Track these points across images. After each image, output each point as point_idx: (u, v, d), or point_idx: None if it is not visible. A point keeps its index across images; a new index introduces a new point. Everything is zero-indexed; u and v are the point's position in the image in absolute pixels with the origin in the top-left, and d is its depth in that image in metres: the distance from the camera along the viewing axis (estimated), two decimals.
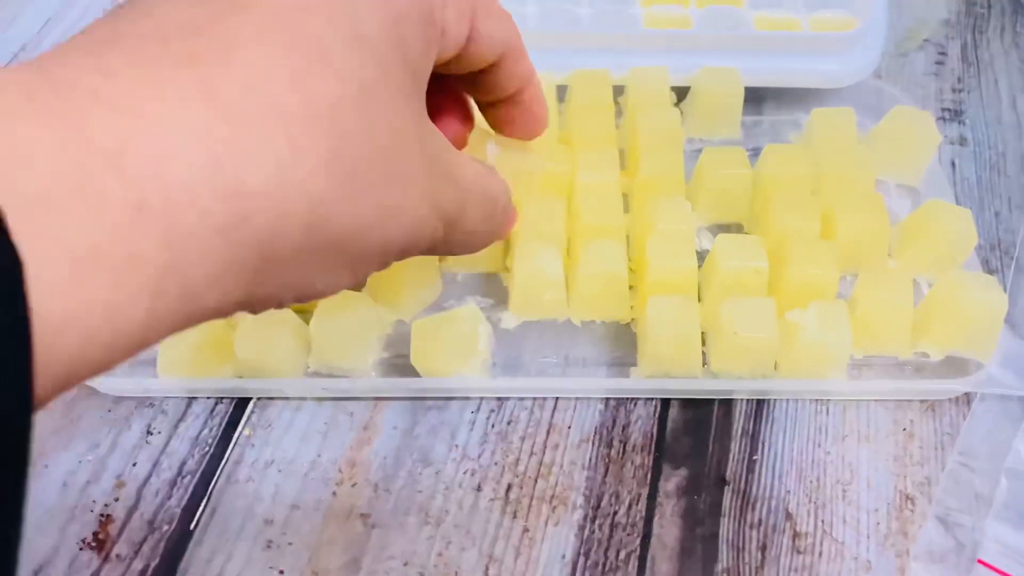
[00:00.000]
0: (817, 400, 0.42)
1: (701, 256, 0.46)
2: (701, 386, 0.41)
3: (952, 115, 0.55)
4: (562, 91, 0.53)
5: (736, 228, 0.48)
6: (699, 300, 0.44)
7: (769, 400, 0.42)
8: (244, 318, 0.42)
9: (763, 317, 0.40)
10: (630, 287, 0.44)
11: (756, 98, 0.54)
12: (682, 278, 0.42)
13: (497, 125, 0.36)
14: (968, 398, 0.42)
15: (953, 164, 0.52)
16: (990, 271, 0.47)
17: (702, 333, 0.42)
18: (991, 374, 0.41)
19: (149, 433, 0.42)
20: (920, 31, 0.60)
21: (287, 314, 0.42)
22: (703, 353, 0.42)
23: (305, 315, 0.43)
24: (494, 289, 0.46)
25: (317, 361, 0.42)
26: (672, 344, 0.40)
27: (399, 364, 0.43)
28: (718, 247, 0.43)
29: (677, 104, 0.52)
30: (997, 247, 0.48)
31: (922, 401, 0.42)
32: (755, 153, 0.52)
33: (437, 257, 0.45)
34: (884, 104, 0.54)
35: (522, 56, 0.33)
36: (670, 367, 0.41)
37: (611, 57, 0.52)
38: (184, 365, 0.42)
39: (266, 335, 0.41)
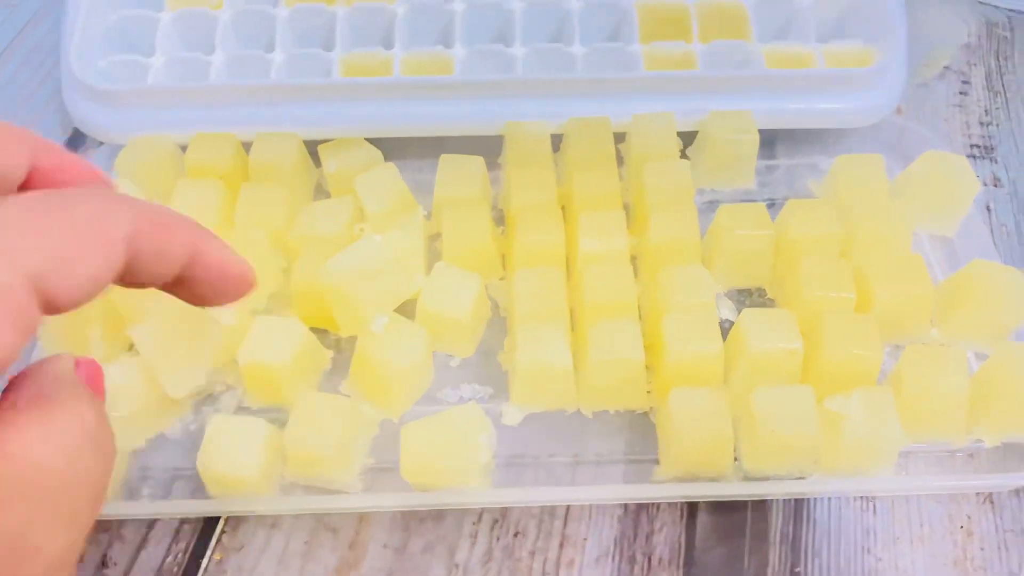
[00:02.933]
0: (862, 496, 0.37)
1: (721, 326, 0.41)
2: (734, 491, 0.36)
3: (983, 152, 0.50)
4: (557, 140, 0.48)
5: (758, 293, 0.44)
6: (724, 380, 0.39)
7: (809, 498, 0.37)
8: (210, 428, 0.37)
9: (801, 409, 0.36)
10: (646, 366, 0.39)
11: (768, 140, 0.49)
12: (706, 363, 0.38)
13: (189, 300, 0.27)
14: None
15: (988, 208, 0.48)
16: None
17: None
18: None
19: (104, 565, 0.36)
20: (940, 58, 0.55)
21: (257, 422, 0.37)
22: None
23: (277, 418, 0.38)
24: (493, 375, 0.41)
25: (294, 473, 0.37)
26: (700, 444, 0.36)
27: (388, 470, 0.38)
28: (745, 324, 0.38)
29: (684, 150, 0.48)
30: None
31: (978, 492, 0.37)
32: (772, 204, 0.47)
33: (428, 341, 0.39)
34: (907, 143, 0.49)
35: (161, 241, 0.24)
36: (697, 468, 0.36)
37: (611, 102, 0.47)
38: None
39: (234, 446, 0.36)
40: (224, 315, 0.38)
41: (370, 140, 0.47)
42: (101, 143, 0.49)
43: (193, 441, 0.39)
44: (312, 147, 0.47)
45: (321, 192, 0.48)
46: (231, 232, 0.43)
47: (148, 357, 0.38)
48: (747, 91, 0.47)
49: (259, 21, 0.51)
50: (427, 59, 0.49)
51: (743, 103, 0.47)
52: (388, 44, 0.50)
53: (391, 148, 0.48)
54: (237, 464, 0.36)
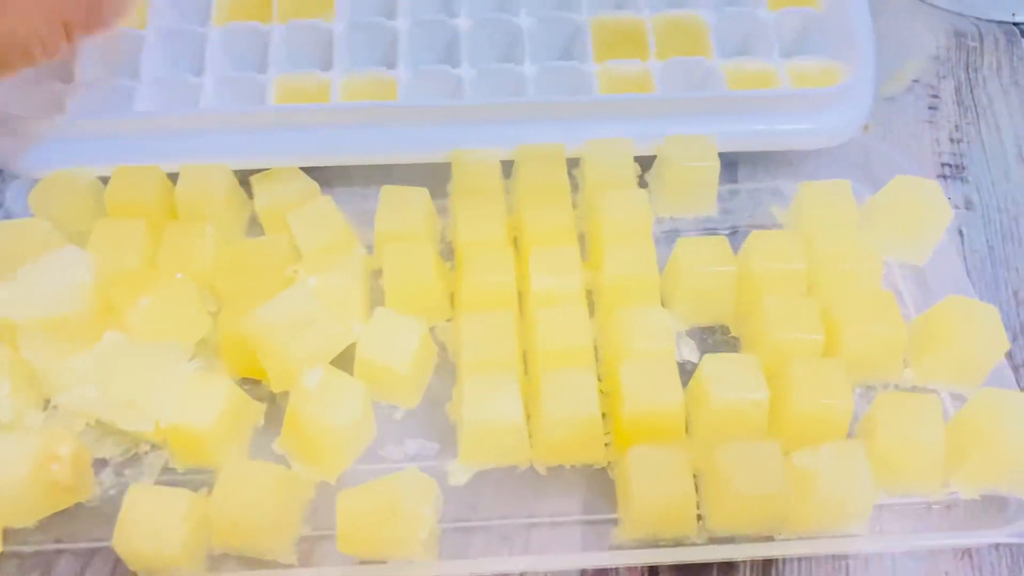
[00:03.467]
0: (834, 556, 0.35)
1: (682, 367, 0.38)
2: (698, 555, 0.34)
3: (953, 171, 0.48)
4: (507, 167, 0.45)
5: (721, 331, 0.41)
6: (686, 430, 0.36)
7: (778, 559, 0.35)
8: (126, 500, 0.33)
9: (768, 467, 0.33)
10: (603, 414, 0.36)
11: (730, 163, 0.47)
12: (666, 415, 0.35)
13: None
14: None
15: (960, 233, 0.46)
16: (1016, 367, 0.40)
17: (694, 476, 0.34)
18: None
19: None
20: (907, 71, 0.53)
21: (178, 492, 0.34)
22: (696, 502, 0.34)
23: (207, 480, 0.35)
24: (439, 428, 0.38)
25: (222, 544, 0.34)
26: (661, 505, 0.33)
27: (325, 538, 0.35)
28: (707, 372, 0.36)
29: (642, 175, 0.45)
30: (1021, 335, 0.42)
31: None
32: (735, 232, 0.45)
33: (366, 396, 0.36)
34: (874, 164, 0.47)
35: None
36: (659, 529, 0.34)
37: (564, 126, 0.44)
38: None
39: (153, 520, 0.33)
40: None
41: (310, 168, 0.44)
42: (16, 177, 0.45)
43: (114, 508, 0.35)
44: (246, 176, 0.44)
45: (256, 225, 0.45)
46: (155, 275, 0.40)
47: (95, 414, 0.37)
48: (707, 113, 0.45)
49: (187, 41, 0.47)
50: (368, 81, 0.46)
51: (703, 125, 0.45)
52: (326, 65, 0.47)
53: (332, 175, 0.45)
54: (157, 539, 0.33)
